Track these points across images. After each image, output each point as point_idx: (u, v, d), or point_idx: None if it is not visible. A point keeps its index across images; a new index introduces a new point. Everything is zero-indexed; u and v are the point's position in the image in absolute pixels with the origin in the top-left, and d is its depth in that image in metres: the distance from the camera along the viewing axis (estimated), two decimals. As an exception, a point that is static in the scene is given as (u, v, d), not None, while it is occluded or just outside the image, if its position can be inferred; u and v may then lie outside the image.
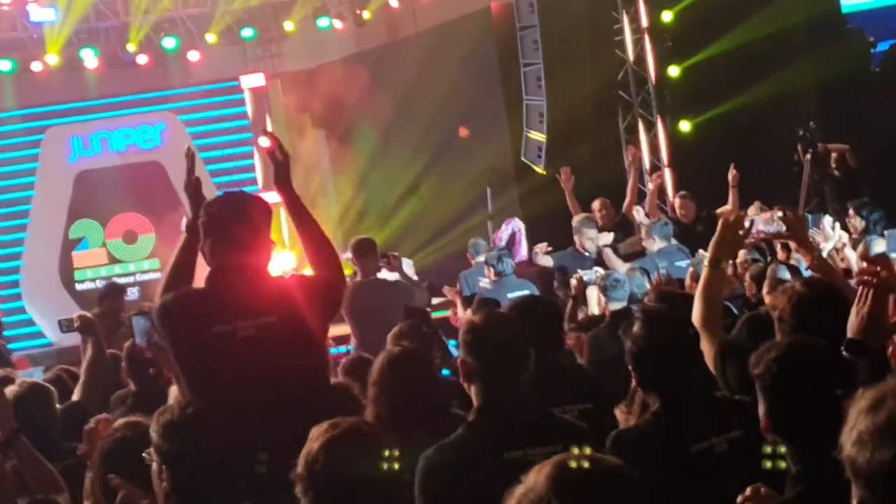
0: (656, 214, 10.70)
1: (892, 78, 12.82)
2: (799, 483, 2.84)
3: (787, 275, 6.31)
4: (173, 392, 4.41)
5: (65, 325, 6.03)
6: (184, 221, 4.32)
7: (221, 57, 16.23)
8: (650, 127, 13.51)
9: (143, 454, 3.36)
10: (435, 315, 8.79)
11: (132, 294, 14.36)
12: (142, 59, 15.53)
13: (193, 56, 15.78)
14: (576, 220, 10.42)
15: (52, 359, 12.31)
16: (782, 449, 2.86)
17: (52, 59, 14.77)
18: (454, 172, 14.41)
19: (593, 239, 10.00)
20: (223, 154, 16.19)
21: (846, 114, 12.14)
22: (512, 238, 12.15)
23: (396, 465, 2.71)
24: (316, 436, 2.70)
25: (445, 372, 5.41)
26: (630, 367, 3.61)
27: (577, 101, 13.17)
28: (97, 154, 15.85)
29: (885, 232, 7.20)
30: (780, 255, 7.72)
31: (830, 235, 7.41)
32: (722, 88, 12.63)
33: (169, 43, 15.40)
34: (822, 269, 4.60)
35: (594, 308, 7.82)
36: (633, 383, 3.66)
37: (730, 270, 7.25)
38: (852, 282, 3.17)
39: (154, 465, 3.34)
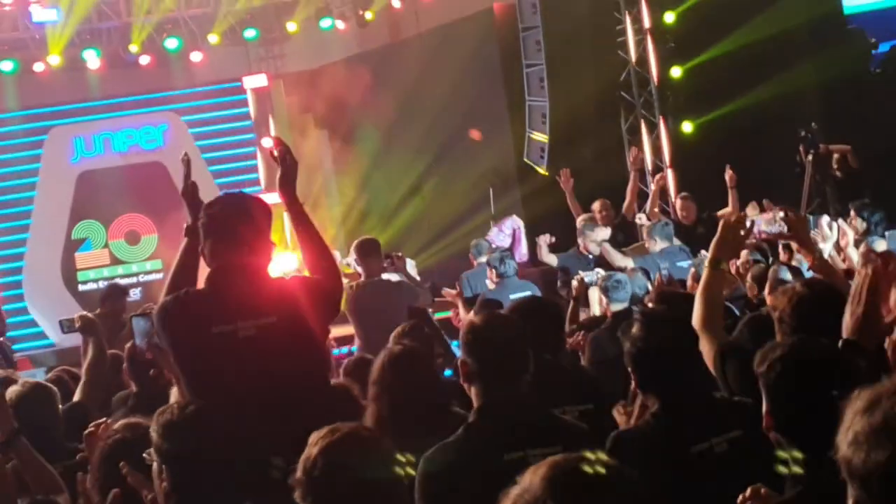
0: (657, 216, 10.71)
1: (893, 79, 12.82)
2: (799, 483, 2.84)
3: (788, 276, 6.31)
4: (174, 393, 4.40)
5: (66, 326, 6.04)
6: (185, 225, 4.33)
7: (224, 57, 16.23)
8: (652, 128, 13.51)
9: (144, 454, 3.36)
10: (437, 316, 8.80)
11: (134, 295, 14.38)
12: (144, 60, 15.54)
13: (196, 57, 15.79)
14: (579, 222, 10.44)
15: (51, 359, 12.34)
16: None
17: (55, 59, 14.77)
18: (457, 173, 14.41)
19: (596, 241, 10.02)
20: (226, 155, 16.21)
21: (848, 115, 12.15)
22: (512, 235, 12.13)
23: (395, 470, 2.71)
24: (315, 441, 2.70)
25: (448, 372, 5.40)
26: (629, 369, 3.62)
27: (579, 102, 13.18)
28: (99, 154, 15.86)
29: (886, 233, 7.19)
30: (782, 256, 7.71)
31: (828, 235, 7.41)
32: (724, 89, 12.64)
33: (171, 43, 15.40)
34: (823, 269, 4.61)
35: (595, 309, 7.81)
36: (633, 384, 3.66)
37: (733, 269, 7.26)
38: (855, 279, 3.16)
39: (154, 465, 3.34)
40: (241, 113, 16.44)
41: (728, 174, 10.49)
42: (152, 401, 4.56)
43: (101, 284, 14.76)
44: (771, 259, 7.73)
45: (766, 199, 9.68)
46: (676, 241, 9.60)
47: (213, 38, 15.58)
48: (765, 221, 4.97)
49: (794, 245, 6.36)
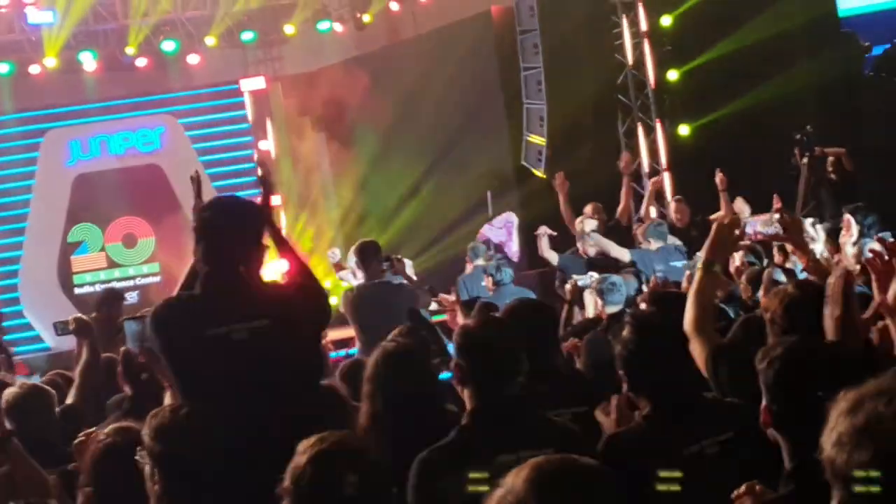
0: (650, 219, 10.76)
1: (887, 81, 12.85)
2: (794, 480, 2.85)
3: (783, 278, 6.30)
4: (169, 397, 4.40)
5: (60, 329, 6.04)
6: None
7: (221, 60, 16.23)
8: (649, 131, 13.53)
9: (136, 456, 3.36)
10: (434, 318, 8.81)
11: (132, 298, 14.35)
12: (141, 62, 15.53)
13: (193, 59, 15.78)
14: (579, 224, 10.48)
15: (44, 363, 12.31)
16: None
17: (51, 61, 14.74)
18: (455, 175, 14.42)
19: (585, 231, 10.12)
20: (223, 158, 16.19)
21: (843, 117, 12.17)
22: (504, 229, 12.10)
23: (383, 480, 2.72)
24: (303, 449, 2.70)
25: (445, 375, 5.40)
26: (621, 371, 3.62)
27: (576, 105, 13.20)
28: (96, 157, 15.85)
29: (879, 235, 7.20)
30: (777, 258, 7.72)
31: (815, 236, 7.42)
32: (721, 92, 12.67)
33: (168, 46, 15.39)
34: (817, 271, 4.61)
35: (591, 312, 7.82)
36: (624, 387, 3.66)
37: (733, 269, 7.26)
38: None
39: (147, 468, 3.34)
40: (238, 115, 16.43)
41: (718, 177, 10.52)
42: (146, 404, 4.55)
43: (98, 288, 14.75)
44: (766, 261, 7.74)
45: (763, 201, 9.68)
46: (671, 240, 9.65)
47: (210, 41, 15.57)
48: (761, 222, 4.98)
49: (788, 247, 6.36)
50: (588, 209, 10.93)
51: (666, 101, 13.45)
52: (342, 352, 8.90)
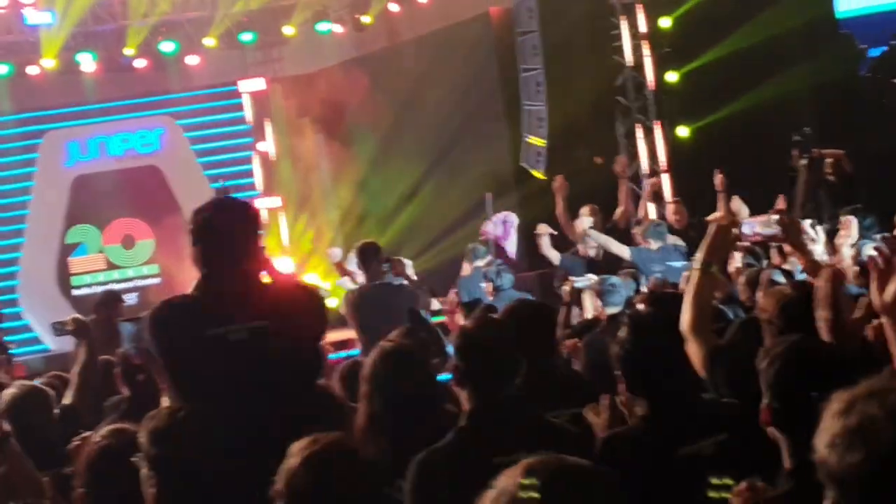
0: (648, 220, 10.78)
1: (884, 83, 12.86)
2: (793, 478, 2.86)
3: (781, 279, 6.31)
4: (166, 399, 4.40)
5: (58, 329, 6.03)
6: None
7: (221, 61, 16.22)
8: (648, 132, 13.53)
9: (133, 458, 3.36)
10: (433, 319, 8.82)
11: (131, 300, 14.34)
12: (140, 63, 15.52)
13: (192, 60, 15.77)
14: (579, 226, 10.51)
15: (40, 365, 12.30)
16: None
17: (49, 62, 14.72)
18: (454, 176, 14.43)
19: (584, 229, 10.15)
20: (222, 159, 16.20)
21: (841, 119, 12.18)
22: (502, 225, 12.08)
23: (376, 481, 2.71)
24: (296, 451, 2.70)
25: (446, 376, 5.40)
26: (618, 372, 3.62)
27: (576, 107, 13.19)
28: (95, 158, 15.86)
29: (877, 236, 7.21)
30: (776, 259, 7.73)
31: (816, 238, 7.43)
32: (719, 94, 12.68)
33: (167, 47, 15.37)
34: (816, 272, 4.60)
35: (589, 314, 7.82)
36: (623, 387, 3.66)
37: (732, 269, 7.26)
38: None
39: (143, 470, 3.34)
40: (237, 117, 16.42)
41: (718, 178, 10.52)
42: (144, 406, 4.55)
43: (97, 289, 14.76)
44: (765, 262, 7.75)
45: (762, 202, 9.69)
46: (672, 240, 9.68)
47: (209, 42, 15.55)
48: (759, 223, 4.97)
49: (787, 248, 6.37)
50: (585, 210, 10.93)
51: (665, 102, 13.45)
52: (342, 353, 8.89)
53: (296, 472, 2.65)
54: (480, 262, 10.51)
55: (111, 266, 15.85)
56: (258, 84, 16.33)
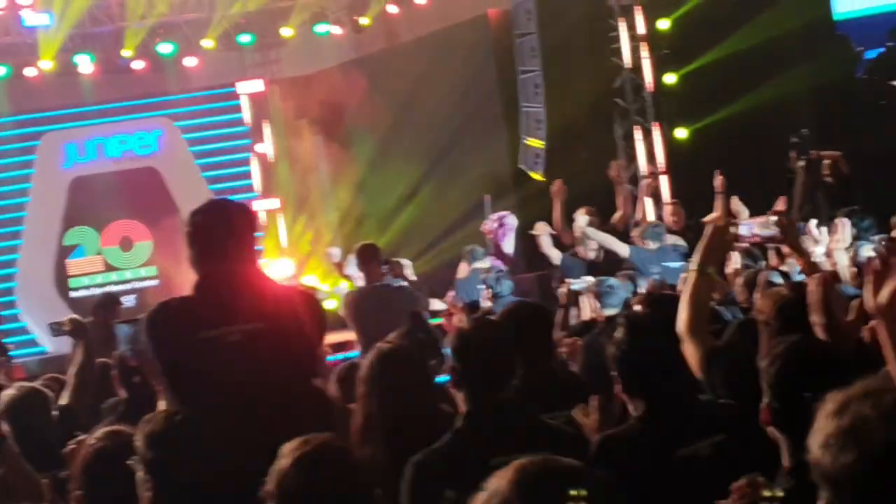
0: (646, 221, 10.80)
1: (881, 85, 12.88)
2: (792, 477, 2.86)
3: (779, 280, 6.31)
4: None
5: (55, 329, 6.03)
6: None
7: (219, 63, 16.21)
8: (647, 134, 13.53)
9: (129, 461, 3.36)
10: (431, 321, 8.80)
11: (129, 302, 14.33)
12: (138, 65, 15.50)
13: (190, 62, 15.76)
14: (578, 228, 10.52)
15: (36, 367, 12.29)
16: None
17: (47, 64, 14.69)
18: (452, 178, 14.43)
19: (580, 227, 10.12)
20: (220, 161, 16.20)
21: (839, 121, 12.20)
22: (498, 222, 12.04)
23: (366, 482, 2.71)
24: (287, 452, 2.69)
25: (444, 378, 5.40)
26: (615, 373, 3.62)
27: (574, 108, 13.19)
28: (92, 160, 15.84)
29: (874, 238, 7.22)
30: (773, 261, 7.74)
31: (820, 238, 7.43)
32: (717, 96, 12.70)
33: (165, 48, 15.36)
34: (813, 273, 4.60)
35: (586, 315, 7.81)
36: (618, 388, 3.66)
37: (731, 269, 7.26)
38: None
39: (139, 474, 3.34)
40: (235, 118, 16.40)
41: (718, 180, 10.52)
42: (141, 408, 4.55)
43: (95, 291, 14.76)
44: (763, 264, 7.75)
45: (760, 204, 9.70)
46: (672, 240, 9.70)
47: (207, 43, 15.53)
48: (758, 224, 4.98)
49: (785, 249, 6.37)
50: (581, 211, 10.94)
51: (663, 104, 13.46)
52: (340, 355, 8.88)
53: (286, 472, 2.64)
54: (478, 264, 10.50)
55: (109, 268, 15.83)
56: (256, 86, 16.32)
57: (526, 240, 11.78)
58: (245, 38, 15.91)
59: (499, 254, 10.94)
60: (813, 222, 7.91)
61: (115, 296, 11.38)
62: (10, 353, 11.28)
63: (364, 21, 15.65)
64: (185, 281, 4.20)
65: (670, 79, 13.35)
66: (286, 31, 15.85)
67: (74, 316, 6.25)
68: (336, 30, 15.95)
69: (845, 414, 1.75)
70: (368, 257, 8.55)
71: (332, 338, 9.14)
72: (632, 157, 13.47)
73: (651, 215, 12.10)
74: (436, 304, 9.75)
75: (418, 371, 4.23)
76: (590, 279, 7.98)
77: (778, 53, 12.48)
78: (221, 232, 3.98)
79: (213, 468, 3.26)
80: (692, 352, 3.77)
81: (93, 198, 15.60)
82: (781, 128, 11.84)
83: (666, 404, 3.51)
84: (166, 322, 3.94)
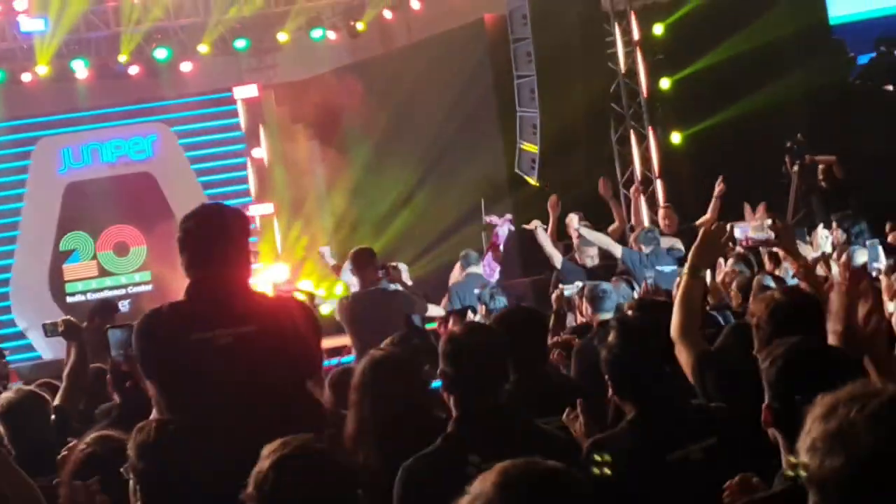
0: (641, 226, 10.81)
1: (877, 89, 12.90)
2: (791, 478, 2.85)
3: (773, 286, 6.31)
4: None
5: (49, 330, 6.01)
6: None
7: (214, 68, 16.23)
8: (642, 139, 13.56)
9: (121, 469, 3.34)
10: (428, 326, 8.80)
11: (123, 307, 14.33)
12: (133, 70, 15.52)
13: (186, 67, 15.77)
14: (571, 229, 10.52)
15: (29, 372, 12.27)
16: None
17: (43, 69, 14.73)
18: (448, 183, 14.44)
19: (574, 227, 10.13)
20: (216, 165, 16.20)
21: (834, 125, 12.22)
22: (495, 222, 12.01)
23: (347, 485, 2.68)
24: (266, 454, 2.67)
25: (439, 384, 5.39)
26: (606, 376, 3.61)
27: (569, 113, 13.21)
28: (88, 165, 15.84)
29: (867, 242, 7.23)
30: (768, 266, 7.74)
31: (822, 246, 7.44)
32: (712, 100, 12.73)
33: (161, 53, 15.37)
34: (807, 278, 4.61)
35: (579, 319, 7.82)
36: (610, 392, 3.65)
37: (720, 278, 7.25)
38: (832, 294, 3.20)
39: (131, 483, 3.32)
40: (231, 123, 16.42)
41: (719, 187, 10.52)
42: (135, 413, 4.53)
43: (90, 296, 14.75)
44: (756, 269, 7.75)
45: (753, 208, 9.72)
46: (666, 243, 9.71)
47: (203, 48, 15.55)
48: (752, 228, 4.97)
49: (780, 253, 6.37)
50: (572, 215, 10.94)
51: (658, 109, 13.50)
52: (334, 360, 8.88)
53: (265, 475, 2.61)
54: (473, 269, 10.49)
55: (104, 273, 15.83)
56: (252, 90, 16.33)
57: (521, 243, 11.78)
58: (240, 43, 15.92)
59: (494, 249, 10.88)
60: (821, 229, 7.91)
61: (111, 302, 11.39)
62: (6, 357, 11.25)
63: (360, 26, 15.67)
64: (180, 286, 4.19)
65: (665, 84, 13.41)
66: (282, 36, 15.87)
67: (68, 317, 6.24)
68: (332, 35, 15.97)
69: (833, 418, 1.75)
70: (363, 262, 8.54)
71: (326, 343, 9.13)
72: (627, 162, 13.48)
73: (646, 220, 12.12)
74: (433, 310, 9.74)
75: (411, 377, 4.22)
76: (579, 284, 7.99)
77: (773, 58, 12.51)
78: (214, 236, 3.97)
79: (205, 477, 3.24)
80: (684, 355, 3.77)
81: (88, 203, 15.60)
82: (776, 133, 11.87)
83: (657, 408, 3.50)
84: (158, 325, 3.93)
